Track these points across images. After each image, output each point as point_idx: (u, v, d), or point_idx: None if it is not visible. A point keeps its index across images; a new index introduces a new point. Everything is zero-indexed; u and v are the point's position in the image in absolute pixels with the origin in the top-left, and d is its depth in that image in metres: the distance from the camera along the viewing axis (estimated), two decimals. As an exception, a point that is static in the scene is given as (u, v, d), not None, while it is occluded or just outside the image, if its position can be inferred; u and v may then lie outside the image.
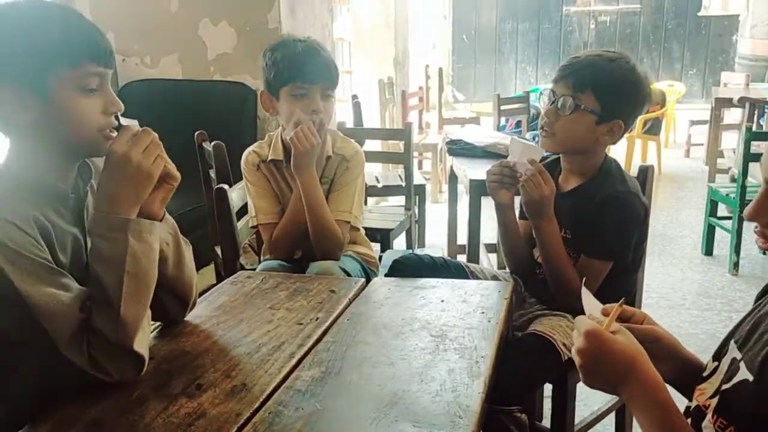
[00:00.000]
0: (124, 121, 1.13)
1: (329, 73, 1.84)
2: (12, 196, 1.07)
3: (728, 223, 3.79)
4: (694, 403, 1.00)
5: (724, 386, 0.93)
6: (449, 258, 2.03)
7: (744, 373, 0.91)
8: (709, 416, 0.94)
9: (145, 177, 1.09)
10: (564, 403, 1.71)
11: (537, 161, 1.61)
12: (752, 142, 3.41)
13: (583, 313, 1.64)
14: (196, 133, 2.52)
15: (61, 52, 1.06)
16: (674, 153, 7.05)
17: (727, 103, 5.56)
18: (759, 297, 1.08)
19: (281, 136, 1.93)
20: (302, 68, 1.80)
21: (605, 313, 1.00)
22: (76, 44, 1.07)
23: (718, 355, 1.02)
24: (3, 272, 0.99)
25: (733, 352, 0.98)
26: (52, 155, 1.11)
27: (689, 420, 0.99)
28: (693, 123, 6.88)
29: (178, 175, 1.19)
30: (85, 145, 1.12)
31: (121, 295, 1.06)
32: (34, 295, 1.01)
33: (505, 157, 1.69)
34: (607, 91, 1.58)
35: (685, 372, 1.09)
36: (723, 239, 4.01)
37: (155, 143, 1.11)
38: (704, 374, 1.02)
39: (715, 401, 0.95)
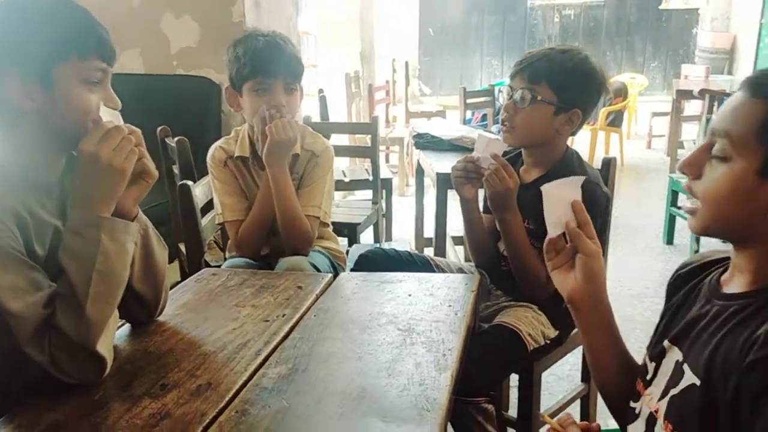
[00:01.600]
0: (104, 112, 1.12)
1: (291, 67, 1.82)
2: None
3: (689, 213, 3.87)
4: (645, 410, 1.00)
5: (672, 391, 0.94)
6: (415, 252, 2.04)
7: (690, 377, 0.91)
8: (660, 422, 0.95)
9: (117, 174, 1.08)
10: (530, 393, 1.73)
11: (500, 155, 1.62)
12: (712, 134, 3.48)
13: (549, 303, 1.67)
14: (159, 129, 2.48)
15: (70, 44, 1.07)
16: (636, 144, 7.18)
17: (688, 95, 5.67)
18: (670, 287, 1.09)
19: (248, 133, 1.91)
20: (263, 63, 1.78)
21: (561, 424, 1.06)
22: (86, 38, 1.09)
23: (655, 355, 1.03)
24: None
25: (673, 353, 0.98)
26: (43, 146, 1.11)
27: (643, 425, 1.00)
28: (654, 115, 7.01)
29: (155, 172, 1.18)
30: (77, 135, 1.10)
31: (89, 294, 1.04)
32: (3, 286, 0.99)
33: (471, 150, 1.70)
34: (562, 81, 1.61)
35: (623, 362, 1.12)
36: (684, 228, 4.09)
37: (128, 139, 1.09)
38: (648, 377, 1.03)
39: (663, 405, 0.95)
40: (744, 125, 0.87)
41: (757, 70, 0.92)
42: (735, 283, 0.94)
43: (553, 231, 1.12)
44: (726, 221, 0.91)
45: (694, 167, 0.94)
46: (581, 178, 1.13)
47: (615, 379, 1.11)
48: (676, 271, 1.10)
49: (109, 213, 1.09)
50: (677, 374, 0.94)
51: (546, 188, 1.14)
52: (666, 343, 1.00)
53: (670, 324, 1.03)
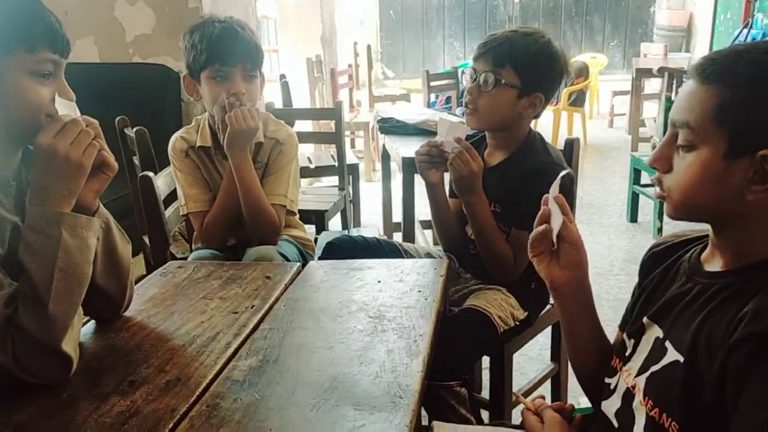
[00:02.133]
0: (60, 103, 1.08)
1: (250, 53, 1.78)
2: None
3: (651, 190, 3.94)
4: (623, 384, 1.02)
5: (653, 368, 0.95)
6: (383, 237, 2.03)
7: (673, 354, 0.92)
8: (639, 397, 0.96)
9: (75, 169, 1.05)
10: (502, 374, 1.75)
11: (463, 139, 1.62)
12: (671, 111, 3.54)
13: (518, 285, 1.68)
14: (117, 119, 2.43)
15: (17, 36, 1.04)
16: (598, 123, 7.27)
17: (647, 73, 5.75)
18: (644, 266, 1.11)
19: (208, 122, 1.87)
20: (221, 50, 1.74)
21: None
22: (35, 30, 1.05)
23: (633, 332, 1.05)
24: None
25: (653, 330, 1.00)
26: None
27: (619, 401, 1.02)
28: (615, 94, 7.11)
29: (115, 165, 1.15)
30: (30, 130, 1.06)
31: (51, 292, 1.01)
32: None
33: (436, 134, 1.70)
34: (525, 65, 1.62)
35: (601, 343, 1.13)
36: (647, 206, 4.17)
37: (86, 132, 1.06)
38: (626, 354, 1.04)
39: (641, 381, 0.96)
40: (700, 113, 0.88)
41: (702, 56, 0.93)
42: (716, 261, 0.95)
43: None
44: (700, 207, 0.92)
45: (662, 161, 0.95)
46: (563, 172, 1.13)
47: (593, 359, 1.13)
48: (650, 249, 1.11)
49: (69, 208, 1.06)
50: (658, 351, 0.96)
51: None
52: (645, 320, 1.02)
53: (647, 301, 1.04)
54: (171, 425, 0.94)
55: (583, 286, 1.11)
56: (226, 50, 1.74)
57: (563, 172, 1.13)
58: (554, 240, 1.08)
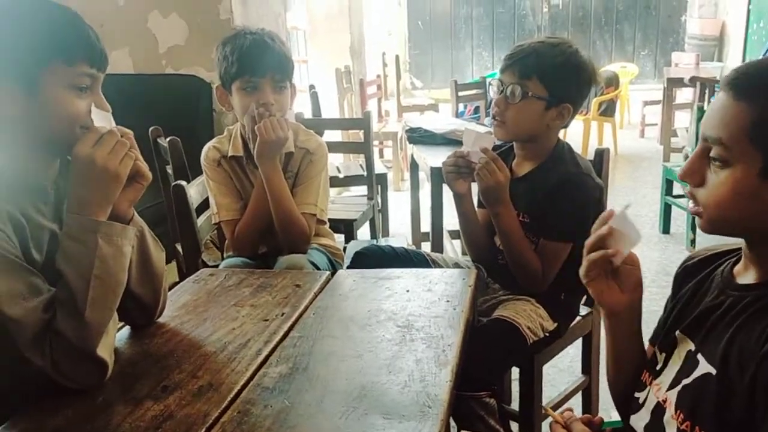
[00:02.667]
0: (96, 114, 1.11)
1: (279, 64, 1.81)
2: None
3: (684, 201, 3.88)
4: (653, 399, 1.00)
5: (685, 381, 0.94)
6: (411, 247, 2.04)
7: (705, 367, 0.91)
8: (671, 411, 0.95)
9: (112, 179, 1.08)
10: (531, 386, 1.74)
11: (489, 149, 1.62)
12: (703, 121, 3.49)
13: (547, 296, 1.67)
14: (151, 129, 2.47)
15: (57, 50, 1.07)
16: (629, 133, 7.19)
17: (679, 83, 5.67)
18: (678, 279, 1.09)
19: (240, 131, 1.90)
20: (251, 62, 1.77)
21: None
22: (73, 44, 1.08)
23: (665, 346, 1.03)
24: None
25: (685, 343, 0.98)
26: (33, 150, 1.10)
27: (648, 415, 1.00)
28: (646, 103, 7.02)
29: (149, 174, 1.17)
30: (66, 141, 1.09)
31: (87, 299, 1.04)
32: (2, 292, 0.99)
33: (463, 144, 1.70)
34: (553, 76, 1.61)
35: (642, 362, 1.11)
36: (679, 217, 4.11)
37: (122, 143, 1.09)
38: (657, 368, 1.03)
39: (673, 395, 0.95)
40: (735, 131, 0.87)
41: (734, 69, 0.91)
42: (749, 274, 0.94)
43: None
44: (732, 222, 0.91)
45: (694, 175, 0.94)
46: (628, 204, 1.06)
47: (632, 377, 1.10)
48: (684, 262, 1.10)
49: (106, 217, 1.09)
50: (690, 364, 0.95)
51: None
52: (677, 333, 1.00)
53: (680, 315, 1.03)
54: (203, 430, 0.96)
55: (638, 308, 1.08)
56: (256, 61, 1.77)
57: (628, 205, 1.06)
58: (617, 264, 1.03)
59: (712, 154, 0.90)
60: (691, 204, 0.96)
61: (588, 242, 1.04)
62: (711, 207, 0.92)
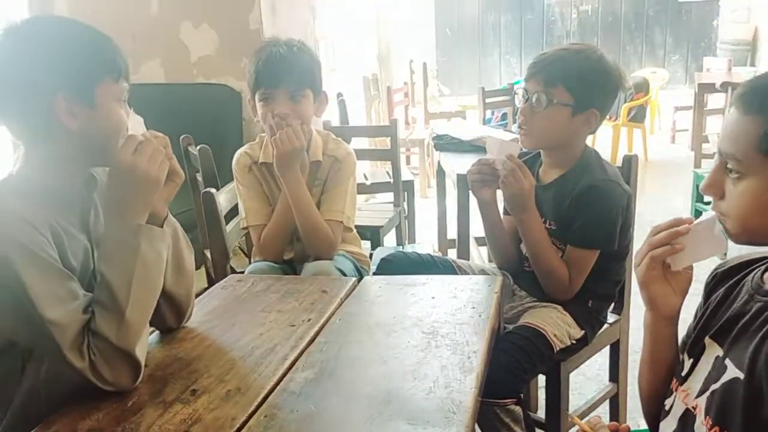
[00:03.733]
0: (132, 118, 1.19)
1: (294, 75, 1.82)
2: (27, 200, 1.10)
3: (714, 208, 3.82)
4: (681, 405, 1.00)
5: (713, 386, 0.94)
6: (437, 254, 2.04)
7: (733, 371, 0.91)
8: (701, 418, 0.94)
9: (153, 183, 1.13)
10: (558, 393, 1.73)
11: (515, 156, 1.62)
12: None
13: (574, 303, 1.66)
14: (182, 138, 2.52)
15: (107, 67, 1.15)
16: (660, 139, 7.10)
17: (710, 88, 5.59)
18: (708, 286, 1.08)
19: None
20: (265, 73, 1.82)
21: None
22: (117, 61, 1.16)
23: (693, 352, 1.02)
24: (15, 269, 1.01)
25: (713, 349, 0.98)
26: (72, 163, 1.16)
27: (675, 422, 0.99)
28: (677, 109, 6.93)
29: (182, 172, 1.23)
30: (112, 150, 1.15)
31: (129, 300, 1.08)
32: (42, 295, 1.03)
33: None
34: (578, 83, 1.61)
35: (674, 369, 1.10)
36: (710, 224, 4.03)
37: (158, 149, 1.14)
38: (683, 373, 1.02)
39: (702, 401, 0.95)
40: (745, 145, 0.88)
41: (744, 84, 0.91)
42: None
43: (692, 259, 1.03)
44: (757, 232, 0.92)
45: (714, 189, 0.95)
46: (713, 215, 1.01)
47: (666, 383, 1.09)
48: (715, 269, 1.09)
49: (144, 220, 1.14)
50: (718, 369, 0.94)
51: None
52: (707, 339, 1.00)
53: (709, 321, 1.02)
54: (231, 433, 0.97)
55: (680, 312, 1.08)
56: (269, 74, 1.81)
57: (713, 215, 1.00)
58: (679, 267, 1.02)
59: (729, 166, 0.92)
60: (718, 215, 0.96)
61: (654, 239, 1.01)
62: (733, 218, 0.93)
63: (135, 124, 1.20)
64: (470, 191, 1.78)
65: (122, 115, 1.17)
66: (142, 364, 1.11)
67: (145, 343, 1.14)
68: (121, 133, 1.16)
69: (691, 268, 1.04)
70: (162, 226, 1.19)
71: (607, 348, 1.97)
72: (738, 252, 1.08)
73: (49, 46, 1.10)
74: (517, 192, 1.61)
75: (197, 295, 1.50)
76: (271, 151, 1.91)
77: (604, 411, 2.06)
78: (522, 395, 1.54)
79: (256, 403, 1.05)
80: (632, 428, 1.11)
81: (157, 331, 1.32)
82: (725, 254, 2.85)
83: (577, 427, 1.10)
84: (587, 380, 2.45)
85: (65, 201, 1.16)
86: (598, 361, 2.30)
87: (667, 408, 1.03)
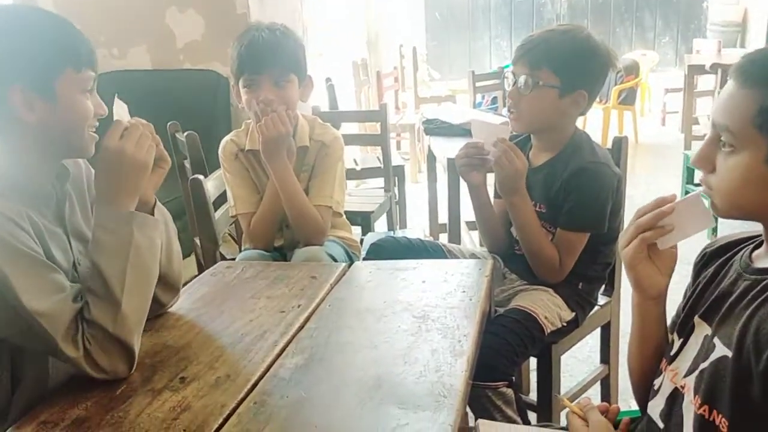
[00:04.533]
0: (116, 104, 1.18)
1: (278, 61, 1.79)
2: (2, 194, 1.08)
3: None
4: (669, 384, 1.00)
5: (702, 365, 0.94)
6: (427, 238, 2.04)
7: (722, 350, 0.91)
8: (690, 397, 0.94)
9: (141, 168, 1.13)
10: (549, 376, 1.73)
11: (506, 138, 1.61)
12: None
13: (565, 285, 1.65)
14: (169, 124, 2.49)
15: (67, 57, 1.11)
16: (650, 122, 7.11)
17: (700, 69, 5.59)
18: (697, 266, 1.08)
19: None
20: (248, 59, 1.79)
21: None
22: (79, 51, 1.13)
23: (682, 332, 1.03)
24: None
25: (702, 328, 0.98)
26: (38, 157, 1.14)
27: (663, 401, 1.00)
28: (668, 91, 6.93)
29: (169, 158, 1.23)
30: (78, 143, 1.15)
31: (124, 288, 1.07)
32: (27, 288, 1.01)
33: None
34: (563, 64, 1.60)
35: (663, 349, 1.10)
36: (700, 205, 4.05)
37: (145, 134, 1.13)
38: (672, 353, 1.02)
39: (691, 380, 0.95)
40: (740, 118, 0.88)
41: (743, 57, 0.91)
42: (767, 258, 0.94)
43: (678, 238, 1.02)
44: (744, 208, 0.92)
45: (705, 162, 0.94)
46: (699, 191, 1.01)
47: (654, 363, 1.09)
48: (703, 249, 1.09)
49: (134, 206, 1.13)
50: (707, 348, 0.94)
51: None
52: (696, 319, 1.00)
53: (698, 301, 1.02)
54: (220, 421, 0.97)
55: (667, 291, 1.08)
56: (253, 59, 1.78)
57: (697, 192, 1.01)
58: (665, 246, 1.01)
59: (722, 139, 0.91)
60: (705, 189, 0.96)
61: (641, 221, 1.00)
62: (722, 193, 0.93)
63: (119, 111, 1.19)
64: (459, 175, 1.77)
65: (86, 106, 1.14)
66: (137, 351, 1.10)
67: (140, 331, 1.13)
68: (86, 124, 1.14)
69: (675, 246, 1.04)
70: (152, 213, 1.18)
71: (598, 330, 1.97)
72: (730, 231, 1.09)
73: (4, 38, 1.08)
74: (510, 173, 1.60)
75: (187, 282, 1.50)
76: (257, 137, 1.90)
77: (595, 392, 2.07)
78: (514, 378, 1.54)
79: (245, 390, 1.04)
80: (623, 409, 1.11)
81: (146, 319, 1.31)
82: (714, 233, 2.84)
83: (567, 409, 1.10)
84: (578, 362, 2.46)
85: (39, 194, 1.14)
86: (589, 343, 2.32)
87: (656, 388, 1.03)
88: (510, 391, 1.50)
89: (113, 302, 1.06)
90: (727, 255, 1.03)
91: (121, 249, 1.09)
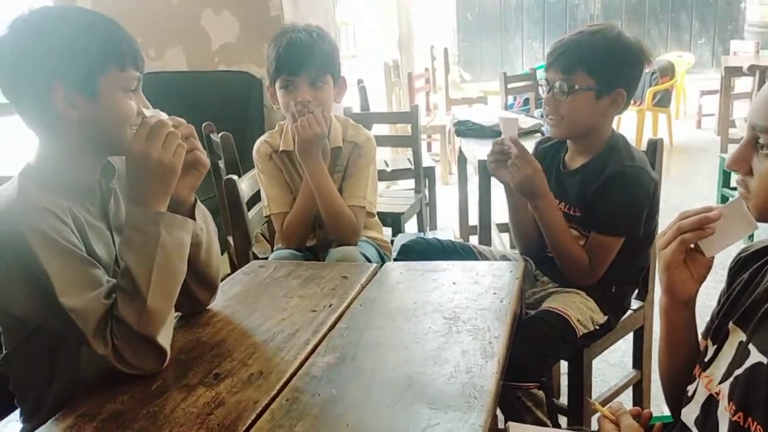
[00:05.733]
0: (149, 111, 1.16)
1: (315, 62, 1.81)
2: (46, 189, 1.11)
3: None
4: (704, 391, 0.99)
5: (737, 372, 0.92)
6: (458, 240, 2.04)
7: (757, 356, 0.89)
8: (725, 403, 0.93)
9: (168, 170, 1.11)
10: (580, 379, 1.72)
11: (515, 136, 1.60)
12: (764, 111, 3.37)
13: (597, 289, 1.64)
14: (204, 125, 2.52)
15: (111, 57, 1.12)
16: (685, 124, 6.99)
17: (738, 71, 5.49)
18: (732, 271, 1.06)
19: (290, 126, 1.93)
20: (286, 61, 1.80)
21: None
22: (123, 50, 1.14)
23: (717, 338, 1.01)
24: (36, 258, 1.02)
25: (737, 334, 0.96)
26: (83, 153, 1.16)
27: (698, 408, 0.98)
28: (703, 93, 6.81)
29: (206, 161, 1.22)
30: (119, 140, 1.15)
31: (149, 286, 1.08)
32: (63, 283, 1.04)
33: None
34: (598, 65, 1.58)
35: (695, 355, 1.08)
36: (737, 210, 3.97)
37: (173, 134, 1.12)
38: (706, 359, 1.01)
39: (726, 387, 0.93)
40: None
41: None
42: None
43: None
44: None
45: (741, 164, 0.92)
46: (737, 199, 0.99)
47: (685, 369, 1.08)
48: (738, 254, 1.07)
49: (165, 207, 1.13)
50: (741, 355, 0.93)
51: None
52: (730, 325, 0.98)
53: (733, 306, 1.01)
54: (253, 417, 0.98)
55: (695, 296, 1.07)
56: (291, 61, 1.80)
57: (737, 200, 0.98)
58: (711, 254, 1.00)
59: (761, 140, 0.89)
60: (743, 191, 0.94)
61: (683, 223, 0.99)
62: (759, 197, 0.91)
63: (152, 111, 1.18)
64: (493, 177, 1.76)
65: (129, 105, 1.15)
66: (167, 349, 1.12)
67: (169, 329, 1.15)
68: (126, 123, 1.15)
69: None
70: (192, 214, 1.19)
71: (631, 334, 1.95)
72: (766, 236, 1.07)
73: (49, 37, 1.09)
74: (523, 179, 1.60)
75: (221, 281, 1.52)
76: (291, 138, 1.91)
77: (627, 398, 2.05)
78: (545, 380, 1.53)
79: (278, 387, 1.06)
80: (655, 414, 1.10)
81: (181, 316, 1.33)
82: (751, 238, 2.78)
83: (599, 414, 1.09)
84: (610, 367, 2.44)
85: (83, 190, 1.17)
86: (622, 348, 2.29)
87: (689, 394, 1.01)
88: (541, 393, 1.49)
89: (139, 301, 1.08)
90: (763, 260, 1.01)
91: (148, 248, 1.10)
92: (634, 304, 1.86)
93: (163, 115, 1.16)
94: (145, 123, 1.12)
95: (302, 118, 1.76)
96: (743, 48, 7.20)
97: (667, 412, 1.17)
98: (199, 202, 1.26)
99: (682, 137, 6.38)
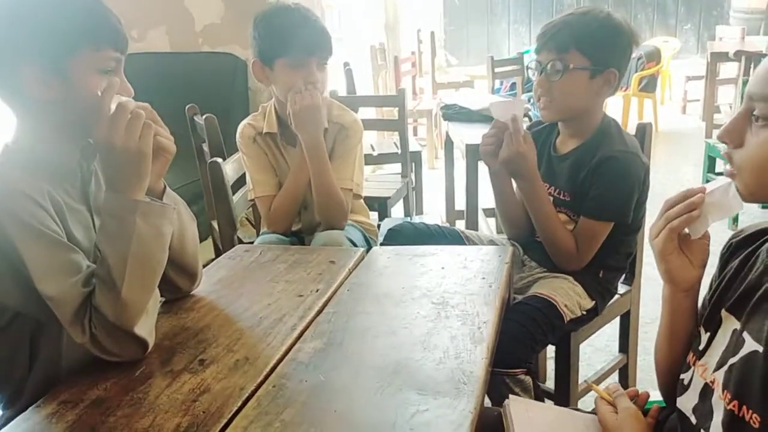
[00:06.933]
0: (116, 99, 1.10)
1: (325, 43, 1.80)
2: (25, 171, 1.07)
3: (726, 179, 3.77)
4: (699, 380, 0.98)
5: (731, 360, 0.91)
6: (445, 225, 2.02)
7: (752, 345, 0.89)
8: (719, 392, 0.92)
9: (136, 155, 1.07)
10: (567, 364, 1.72)
11: (517, 117, 1.58)
12: (749, 96, 3.38)
13: (585, 274, 1.63)
14: (187, 107, 2.49)
15: (85, 36, 1.08)
16: (671, 110, 7.02)
17: (723, 57, 5.51)
18: (723, 257, 1.06)
19: (275, 108, 1.90)
20: (300, 39, 1.76)
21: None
22: (100, 29, 1.10)
23: (710, 325, 1.00)
24: (13, 244, 1.00)
25: (730, 321, 0.95)
26: (61, 134, 1.12)
27: (696, 396, 0.98)
28: (689, 79, 6.83)
29: (171, 147, 1.16)
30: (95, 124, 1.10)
31: (124, 278, 1.05)
32: (41, 269, 1.01)
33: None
34: (591, 44, 1.57)
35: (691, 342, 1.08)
36: (721, 195, 3.99)
37: (136, 117, 1.07)
38: (701, 347, 1.00)
39: (720, 375, 0.93)
40: None
41: None
42: None
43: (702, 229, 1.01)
44: None
45: (734, 135, 0.90)
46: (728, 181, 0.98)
47: (680, 358, 1.07)
48: (729, 239, 1.06)
49: (143, 194, 1.09)
50: (735, 343, 0.92)
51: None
52: (723, 312, 0.98)
53: (725, 293, 1.00)
54: (239, 403, 0.96)
55: (700, 284, 1.05)
56: (304, 39, 1.76)
57: (729, 181, 0.96)
58: (697, 236, 0.99)
59: (756, 112, 0.87)
60: (727, 167, 0.93)
61: (670, 213, 0.98)
62: (747, 170, 0.88)
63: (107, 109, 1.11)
64: (481, 160, 1.74)
65: (101, 87, 1.09)
66: (147, 339, 1.09)
67: (151, 319, 1.12)
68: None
69: (707, 238, 1.01)
70: (161, 200, 1.16)
71: (617, 319, 1.95)
72: (750, 221, 1.06)
73: (17, 17, 1.05)
74: (512, 155, 1.58)
75: (205, 266, 1.50)
76: (275, 120, 1.89)
77: (613, 382, 2.05)
78: (532, 365, 1.53)
79: (264, 373, 1.04)
80: (649, 395, 1.10)
81: (165, 301, 1.31)
82: (735, 223, 2.77)
83: (593, 395, 1.09)
84: (596, 351, 2.45)
85: (63, 172, 1.13)
86: (608, 332, 2.30)
87: (685, 383, 1.01)
88: (528, 379, 1.49)
89: (114, 291, 1.04)
90: (754, 245, 1.00)
91: (123, 237, 1.06)
92: (621, 288, 1.87)
93: (123, 99, 1.11)
94: (103, 112, 1.06)
95: (295, 90, 1.73)
96: (729, 34, 7.21)
97: (655, 395, 1.17)
98: (168, 188, 1.22)
99: (667, 123, 6.40)
